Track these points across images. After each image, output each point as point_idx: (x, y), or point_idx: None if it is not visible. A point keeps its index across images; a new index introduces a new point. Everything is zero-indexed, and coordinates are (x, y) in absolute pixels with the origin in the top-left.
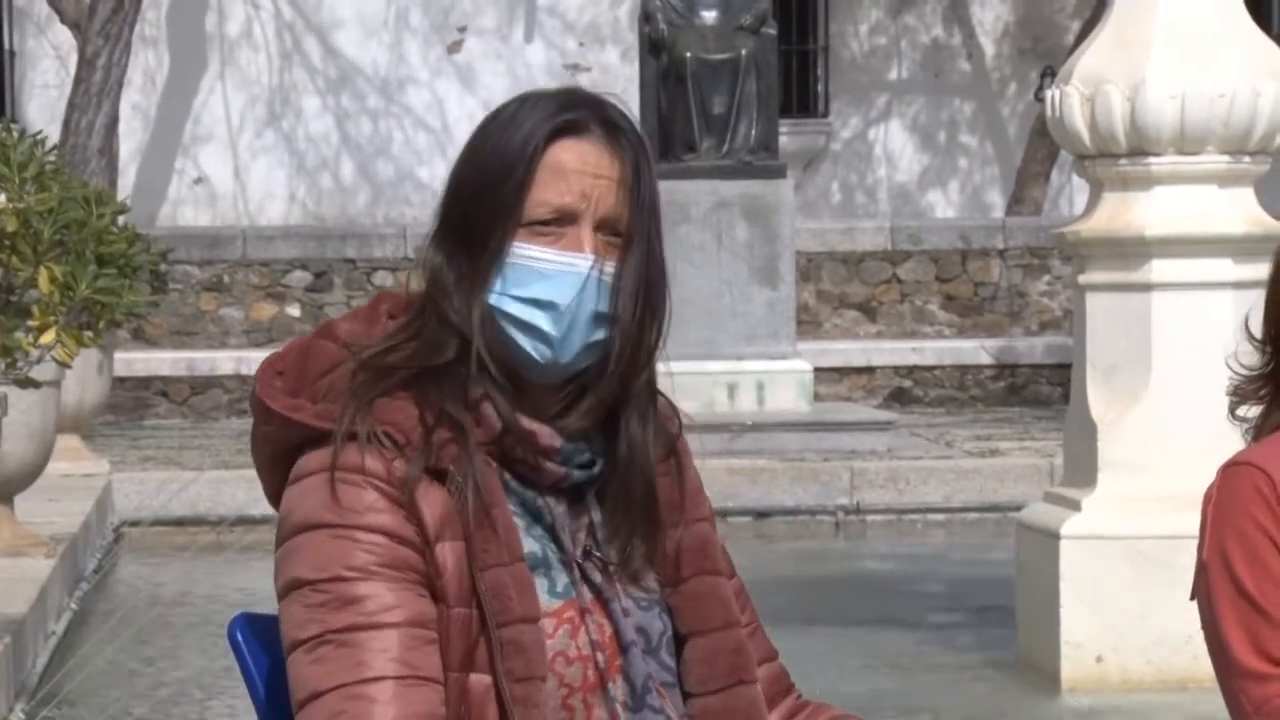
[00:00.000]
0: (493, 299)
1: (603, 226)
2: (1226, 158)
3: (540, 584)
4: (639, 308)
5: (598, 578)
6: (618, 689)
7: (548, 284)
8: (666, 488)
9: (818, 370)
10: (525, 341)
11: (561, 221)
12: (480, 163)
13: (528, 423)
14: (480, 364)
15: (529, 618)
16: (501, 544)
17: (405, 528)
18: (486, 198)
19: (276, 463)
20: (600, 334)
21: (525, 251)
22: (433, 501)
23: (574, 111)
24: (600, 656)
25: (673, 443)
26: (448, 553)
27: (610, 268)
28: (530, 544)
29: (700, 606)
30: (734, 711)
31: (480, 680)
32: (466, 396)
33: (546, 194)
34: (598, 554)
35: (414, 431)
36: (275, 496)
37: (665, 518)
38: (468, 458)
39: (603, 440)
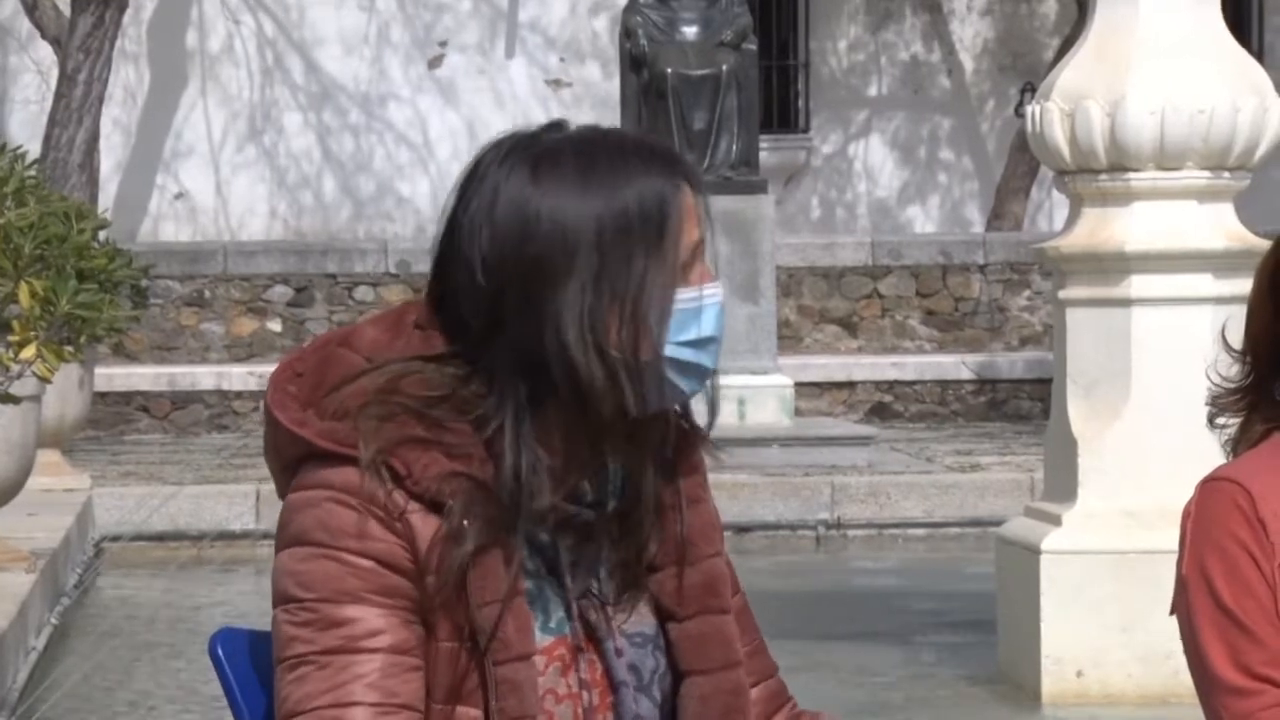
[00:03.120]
0: (669, 349)
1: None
2: (1206, 173)
3: (534, 620)
4: None
5: (593, 615)
6: None
7: (700, 321)
8: (675, 522)
9: (798, 385)
10: (685, 384)
11: (696, 256)
12: (607, 218)
13: (547, 459)
14: (503, 398)
15: (524, 655)
16: (500, 579)
17: (398, 556)
18: (640, 251)
19: (285, 470)
20: None
21: (681, 295)
22: (429, 533)
23: (670, 147)
24: (588, 696)
25: (692, 472)
26: (441, 585)
27: None
28: (528, 579)
29: (701, 646)
30: None
31: (468, 713)
32: (482, 431)
33: (691, 231)
34: (596, 592)
35: (416, 463)
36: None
37: (671, 555)
38: (467, 492)
39: (617, 477)
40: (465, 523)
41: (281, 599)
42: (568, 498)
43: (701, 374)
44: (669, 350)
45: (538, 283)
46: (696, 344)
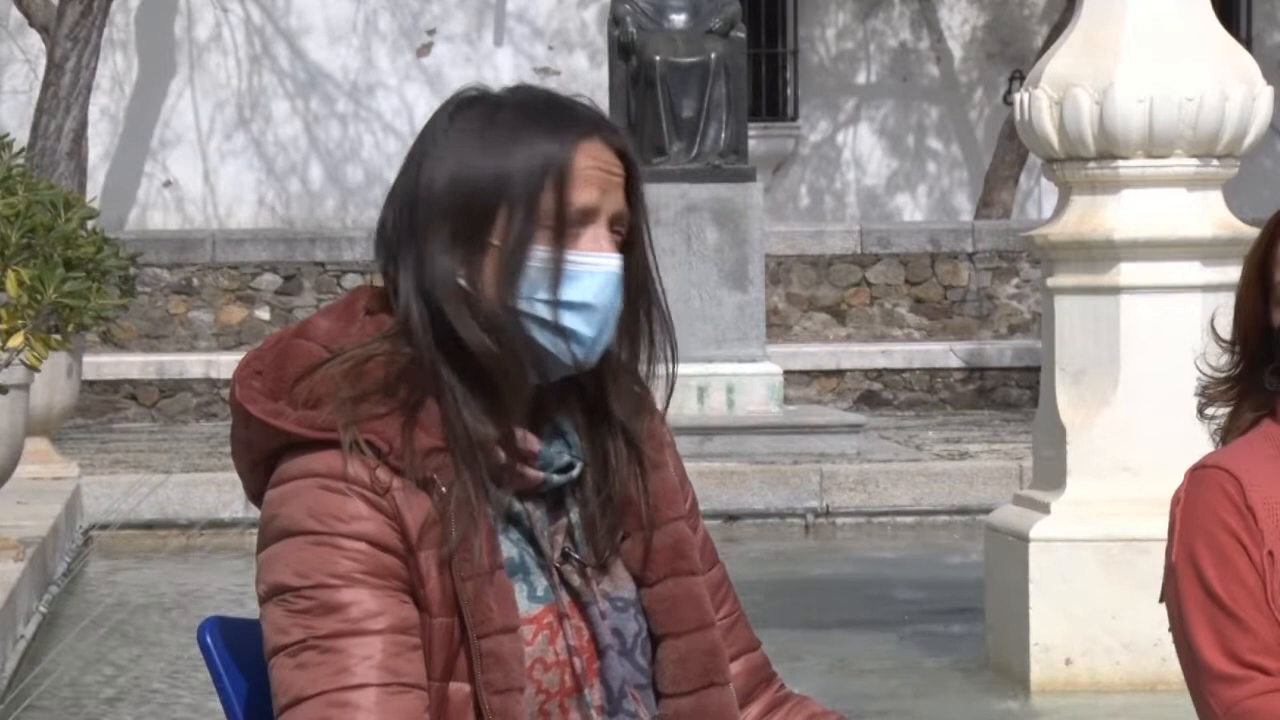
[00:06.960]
0: (522, 304)
1: (611, 224)
2: (1195, 161)
3: (520, 589)
4: (648, 303)
5: (576, 580)
6: (594, 693)
7: (578, 285)
8: (636, 489)
9: (787, 373)
10: (556, 345)
11: (583, 221)
12: (495, 168)
13: (508, 427)
14: (449, 370)
15: (508, 628)
16: (480, 553)
17: (388, 535)
18: (512, 203)
19: (257, 466)
20: (614, 332)
21: (549, 254)
22: (416, 510)
23: (586, 114)
24: (578, 661)
25: (650, 438)
26: (431, 561)
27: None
28: (508, 549)
29: (674, 608)
30: (705, 713)
31: (460, 689)
32: (443, 403)
33: (574, 195)
34: (576, 556)
35: (396, 439)
36: (256, 497)
37: (635, 521)
38: (451, 467)
39: (583, 441)
40: (450, 497)
41: (275, 590)
42: (533, 464)
43: (569, 336)
44: (522, 304)
45: (417, 239)
46: (564, 305)
